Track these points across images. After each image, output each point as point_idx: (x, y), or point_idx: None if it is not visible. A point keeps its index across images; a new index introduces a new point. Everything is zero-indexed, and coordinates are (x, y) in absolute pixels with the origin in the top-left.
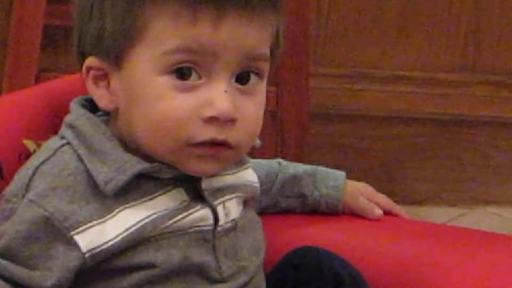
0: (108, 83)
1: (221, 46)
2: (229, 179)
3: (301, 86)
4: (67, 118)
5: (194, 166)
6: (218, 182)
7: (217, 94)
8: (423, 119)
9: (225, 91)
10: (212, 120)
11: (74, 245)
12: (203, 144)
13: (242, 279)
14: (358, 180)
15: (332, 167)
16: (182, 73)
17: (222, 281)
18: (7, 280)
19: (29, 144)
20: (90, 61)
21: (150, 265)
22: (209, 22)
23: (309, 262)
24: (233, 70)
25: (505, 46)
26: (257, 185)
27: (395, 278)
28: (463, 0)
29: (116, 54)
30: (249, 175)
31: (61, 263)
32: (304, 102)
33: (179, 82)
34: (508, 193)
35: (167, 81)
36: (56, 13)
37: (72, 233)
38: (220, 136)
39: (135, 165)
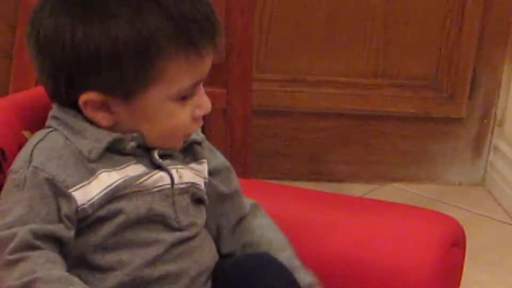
0: (108, 107)
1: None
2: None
3: (246, 88)
4: (51, 113)
5: (178, 146)
6: (170, 156)
7: (203, 98)
8: (344, 114)
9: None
10: (200, 116)
11: (73, 200)
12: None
13: (194, 230)
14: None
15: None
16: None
17: (179, 229)
18: (40, 238)
19: (27, 134)
20: (90, 96)
21: (121, 212)
22: (209, 54)
23: (248, 271)
24: None
25: (407, 56)
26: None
27: (292, 236)
28: (374, 21)
29: (125, 93)
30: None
31: (68, 215)
32: (249, 101)
33: (183, 101)
34: (411, 172)
35: (176, 103)
36: None
37: (71, 190)
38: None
39: (107, 136)
